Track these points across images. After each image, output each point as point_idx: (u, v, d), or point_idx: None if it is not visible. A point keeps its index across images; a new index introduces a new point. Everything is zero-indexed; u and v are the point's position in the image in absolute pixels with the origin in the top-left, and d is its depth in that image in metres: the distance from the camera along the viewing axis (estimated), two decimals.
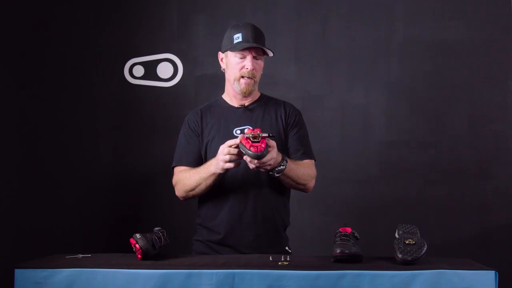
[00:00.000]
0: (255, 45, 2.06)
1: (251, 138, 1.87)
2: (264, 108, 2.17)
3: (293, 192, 2.19)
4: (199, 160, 2.12)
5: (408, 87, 3.08)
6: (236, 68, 2.09)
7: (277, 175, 1.98)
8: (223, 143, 1.96)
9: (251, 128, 2.03)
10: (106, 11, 3.10)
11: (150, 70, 3.10)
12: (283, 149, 2.09)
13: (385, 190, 3.05)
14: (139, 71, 3.10)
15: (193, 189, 2.05)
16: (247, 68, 2.07)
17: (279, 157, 1.95)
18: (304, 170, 2.08)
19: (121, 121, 3.09)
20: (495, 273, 1.67)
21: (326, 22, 3.11)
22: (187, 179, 2.06)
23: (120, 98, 3.09)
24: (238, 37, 2.08)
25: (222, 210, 2.07)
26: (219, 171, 1.96)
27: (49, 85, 3.05)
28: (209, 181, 2.01)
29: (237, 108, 2.16)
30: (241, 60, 2.08)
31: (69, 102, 3.06)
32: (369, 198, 3.04)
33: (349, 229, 1.86)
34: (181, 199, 2.13)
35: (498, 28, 3.05)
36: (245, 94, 2.12)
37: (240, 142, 1.88)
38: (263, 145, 1.86)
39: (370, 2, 3.11)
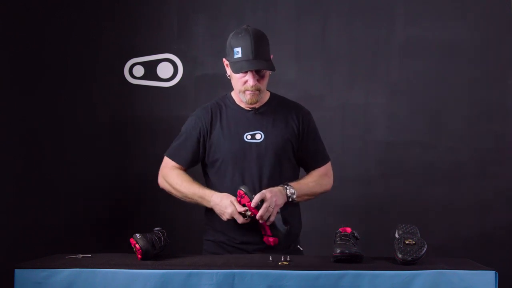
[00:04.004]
0: (254, 68, 1.97)
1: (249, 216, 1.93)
2: (275, 111, 2.11)
3: None
4: (192, 162, 2.13)
5: (408, 87, 3.08)
6: (239, 82, 2.02)
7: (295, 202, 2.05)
8: (233, 148, 2.03)
9: (242, 190, 1.95)
10: (106, 11, 3.09)
11: (150, 70, 3.10)
12: (296, 156, 2.11)
13: (385, 190, 3.05)
14: (139, 71, 3.10)
15: (176, 195, 2.11)
16: (249, 84, 2.00)
17: (281, 197, 1.97)
18: (315, 183, 2.12)
19: (121, 121, 3.09)
20: (495, 273, 1.67)
21: (326, 22, 3.10)
22: (179, 185, 2.08)
23: (120, 98, 3.09)
24: (237, 52, 1.97)
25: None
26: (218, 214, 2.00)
27: (49, 85, 3.05)
28: (196, 202, 2.06)
29: (248, 111, 2.10)
30: (243, 74, 2.00)
31: (69, 102, 3.06)
32: (369, 198, 3.04)
33: (349, 229, 1.87)
34: (159, 186, 2.18)
35: (498, 28, 3.05)
36: (251, 104, 2.07)
37: (261, 224, 1.95)
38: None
39: (370, 2, 3.11)
